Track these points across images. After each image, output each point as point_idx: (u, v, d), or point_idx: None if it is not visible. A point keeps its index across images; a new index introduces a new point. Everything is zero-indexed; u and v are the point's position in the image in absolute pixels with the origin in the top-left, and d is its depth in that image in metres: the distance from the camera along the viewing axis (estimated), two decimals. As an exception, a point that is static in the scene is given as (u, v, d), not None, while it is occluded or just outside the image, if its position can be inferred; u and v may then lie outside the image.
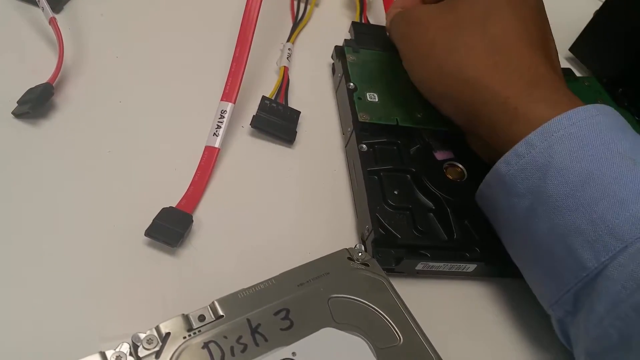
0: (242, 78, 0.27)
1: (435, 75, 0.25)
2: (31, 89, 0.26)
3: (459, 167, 0.27)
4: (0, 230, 0.22)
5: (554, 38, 0.39)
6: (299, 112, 0.29)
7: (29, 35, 0.29)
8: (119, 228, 0.23)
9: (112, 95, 0.28)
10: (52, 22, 0.27)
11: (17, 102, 0.25)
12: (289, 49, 0.32)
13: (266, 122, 0.28)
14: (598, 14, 0.36)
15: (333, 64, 0.32)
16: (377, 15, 0.36)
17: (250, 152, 0.28)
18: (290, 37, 0.33)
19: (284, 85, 0.30)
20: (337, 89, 0.31)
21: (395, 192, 0.25)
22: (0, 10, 0.29)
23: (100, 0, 0.32)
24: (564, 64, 0.37)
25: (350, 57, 0.30)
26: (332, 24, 0.36)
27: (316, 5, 0.36)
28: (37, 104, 0.25)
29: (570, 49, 0.38)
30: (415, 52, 0.27)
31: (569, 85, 0.32)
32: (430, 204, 0.25)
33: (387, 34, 0.31)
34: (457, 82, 0.24)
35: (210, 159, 0.26)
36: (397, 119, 0.28)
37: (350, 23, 0.36)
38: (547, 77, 0.23)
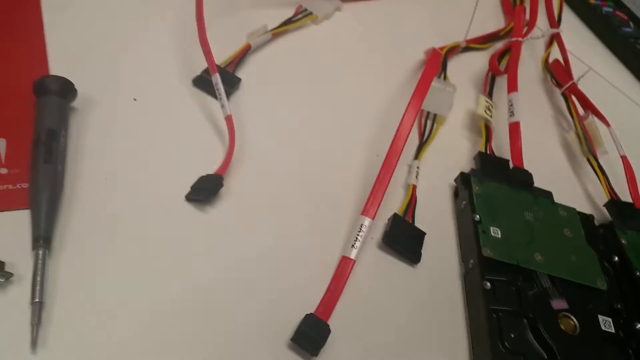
0: (382, 197, 0.30)
1: None
2: (203, 177, 0.29)
3: (572, 320, 0.28)
4: (150, 310, 0.25)
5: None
6: (425, 233, 0.31)
7: (202, 123, 0.32)
8: (259, 325, 0.26)
9: (264, 193, 0.31)
10: (228, 119, 0.31)
11: (191, 187, 0.29)
12: (417, 167, 0.35)
13: (396, 239, 0.30)
14: None
15: (456, 187, 0.35)
16: (499, 145, 0.38)
17: (376, 265, 0.30)
18: (418, 155, 0.36)
19: (412, 204, 0.33)
20: (458, 215, 0.33)
21: (512, 335, 0.27)
22: (179, 94, 0.33)
23: (258, 97, 0.35)
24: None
25: (476, 187, 0.33)
26: (453, 145, 0.38)
27: (441, 124, 0.39)
28: (210, 194, 0.28)
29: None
30: None
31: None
32: (543, 353, 0.27)
33: None
34: None
35: (345, 269, 0.28)
36: (517, 259, 0.30)
37: (469, 144, 0.39)
38: None
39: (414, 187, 0.33)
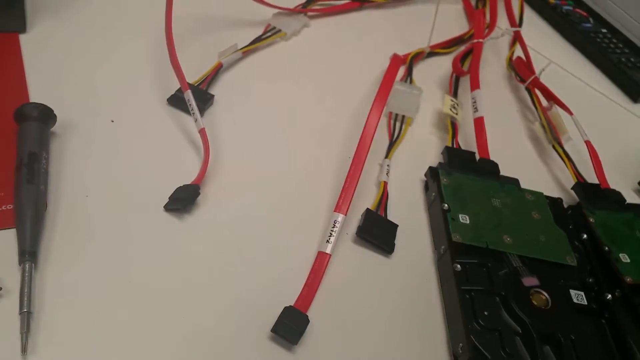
0: (353, 193, 0.32)
1: None
2: (180, 187, 0.31)
3: (543, 294, 0.30)
4: (135, 316, 0.26)
5: (623, 171, 0.42)
6: (397, 225, 0.33)
7: (177, 138, 0.34)
8: (242, 321, 0.27)
9: (241, 198, 0.32)
10: (202, 132, 0.33)
11: (169, 198, 0.30)
12: (387, 165, 0.36)
13: (369, 232, 0.32)
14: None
15: (426, 181, 0.36)
16: (467, 139, 0.40)
17: (352, 258, 0.31)
18: (388, 154, 0.37)
19: (384, 199, 0.34)
20: (429, 207, 0.35)
21: (485, 313, 0.28)
22: (154, 114, 0.35)
23: (232, 111, 0.37)
24: (633, 198, 0.40)
25: (444, 179, 0.34)
26: (423, 142, 0.40)
27: (410, 124, 0.41)
28: (187, 202, 0.30)
29: (640, 183, 0.41)
30: None
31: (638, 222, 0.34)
32: (517, 327, 0.28)
33: None
34: None
35: (322, 263, 0.29)
36: (487, 242, 0.31)
37: (438, 141, 0.40)
38: None
39: (385, 183, 0.35)
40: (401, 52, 0.46)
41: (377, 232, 0.32)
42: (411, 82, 0.43)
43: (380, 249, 0.32)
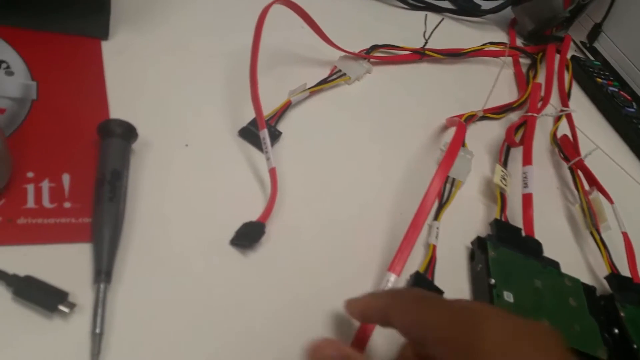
0: (408, 255, 0.33)
1: None
2: (246, 223, 0.32)
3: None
4: (194, 340, 0.27)
5: None
6: (443, 292, 0.34)
7: (245, 172, 0.35)
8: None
9: (300, 242, 0.33)
10: (272, 171, 0.34)
11: (236, 233, 0.31)
12: (437, 227, 0.38)
13: (418, 296, 0.33)
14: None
15: (472, 250, 0.38)
16: (511, 212, 0.41)
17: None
18: (438, 216, 0.39)
19: (432, 262, 0.35)
20: (474, 277, 0.36)
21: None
22: (226, 143, 0.36)
23: (296, 150, 0.38)
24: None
25: (491, 253, 0.35)
26: (469, 208, 0.41)
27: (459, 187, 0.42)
28: (253, 240, 0.31)
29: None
30: None
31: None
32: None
33: None
34: None
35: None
36: (527, 324, 0.32)
37: (484, 208, 0.42)
38: None
39: (434, 246, 0.36)
40: (453, 110, 0.47)
41: (424, 296, 0.33)
42: (463, 144, 0.44)
43: (426, 314, 0.33)
